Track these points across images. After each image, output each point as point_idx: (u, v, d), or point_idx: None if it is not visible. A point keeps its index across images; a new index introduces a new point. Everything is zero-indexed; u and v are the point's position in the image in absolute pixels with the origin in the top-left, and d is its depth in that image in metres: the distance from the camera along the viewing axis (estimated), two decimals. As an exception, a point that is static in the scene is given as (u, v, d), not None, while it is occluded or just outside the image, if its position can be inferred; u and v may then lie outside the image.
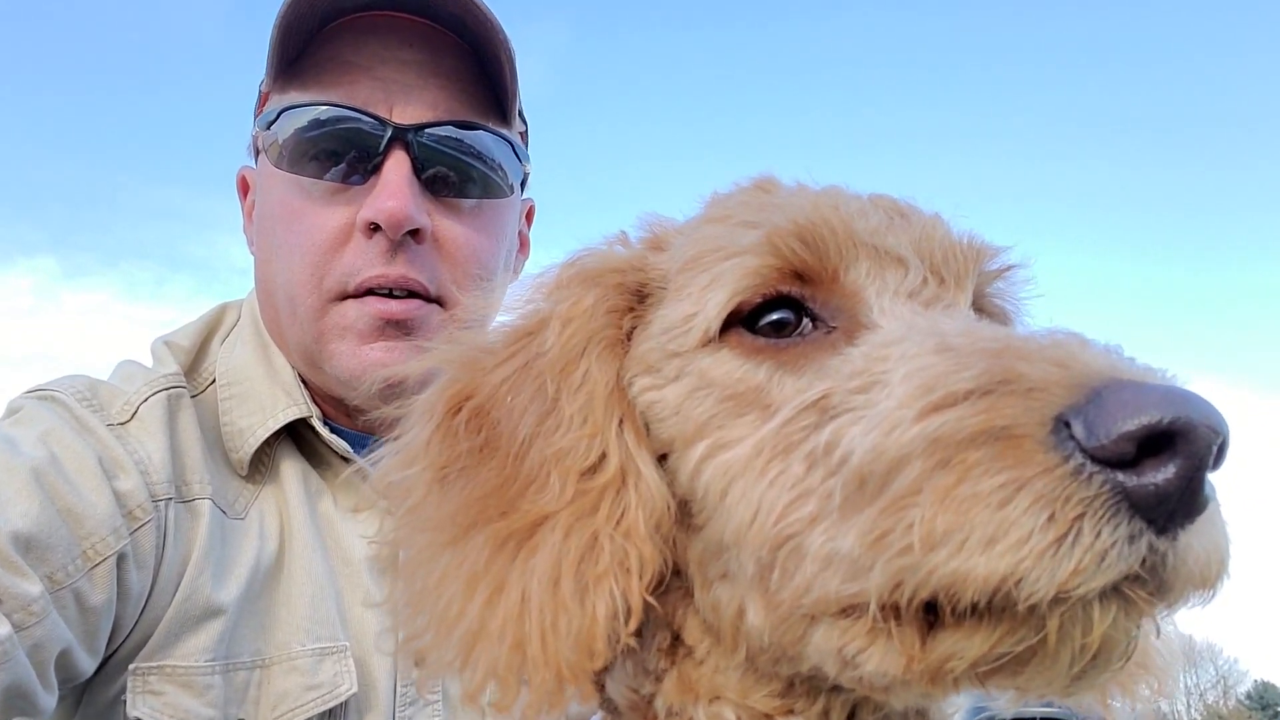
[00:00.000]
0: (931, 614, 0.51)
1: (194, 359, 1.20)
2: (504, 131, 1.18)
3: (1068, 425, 0.47)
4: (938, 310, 0.64)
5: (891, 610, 0.51)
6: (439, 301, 1.13)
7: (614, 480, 0.63)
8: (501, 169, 1.18)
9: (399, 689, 1.14)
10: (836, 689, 0.63)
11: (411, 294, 1.11)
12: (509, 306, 0.75)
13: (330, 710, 1.09)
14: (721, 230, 0.68)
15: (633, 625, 0.60)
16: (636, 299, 0.71)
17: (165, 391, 1.11)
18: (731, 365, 0.63)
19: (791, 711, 0.64)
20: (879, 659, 0.53)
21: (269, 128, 1.15)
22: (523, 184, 1.28)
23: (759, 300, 0.64)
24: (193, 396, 1.15)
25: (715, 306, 0.64)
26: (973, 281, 0.69)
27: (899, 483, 0.50)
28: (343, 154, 1.11)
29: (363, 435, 1.19)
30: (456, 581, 0.62)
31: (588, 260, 0.73)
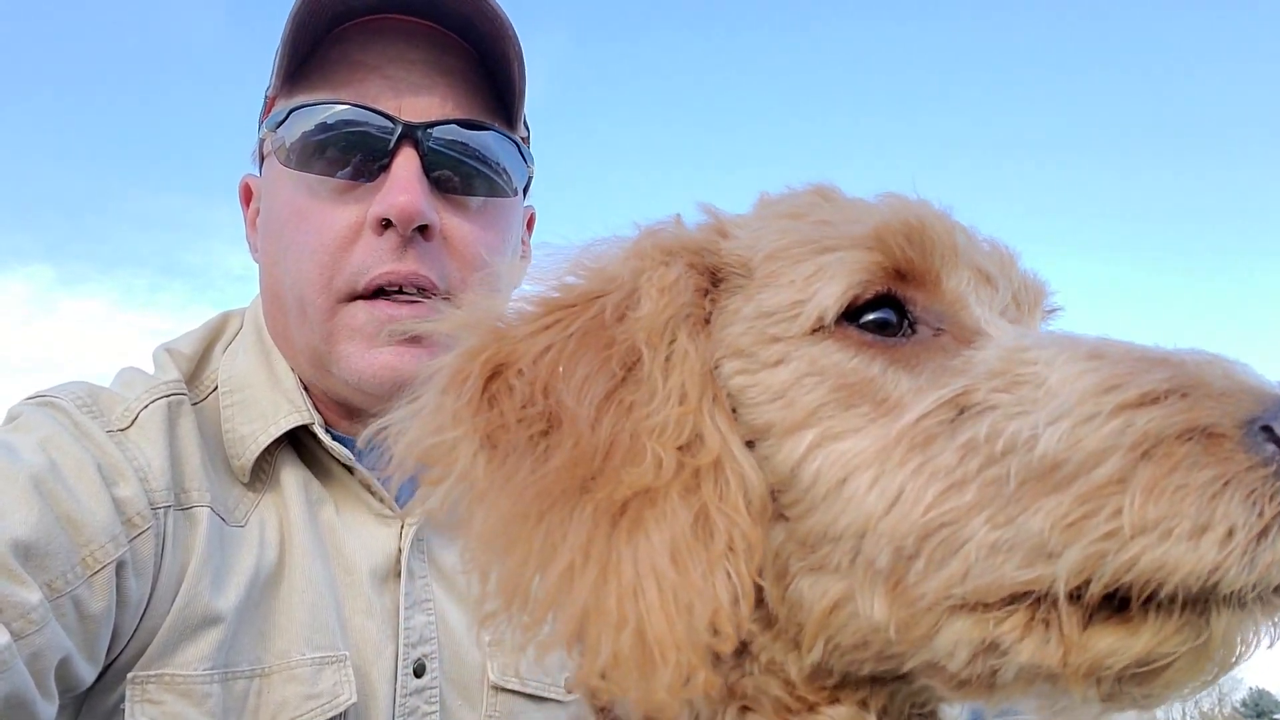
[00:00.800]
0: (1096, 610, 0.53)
1: (196, 366, 1.20)
2: (509, 133, 1.18)
3: (1265, 429, 0.50)
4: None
5: (1053, 602, 0.52)
6: (447, 298, 1.13)
7: (713, 461, 0.62)
8: (507, 170, 1.18)
9: (398, 699, 1.13)
10: (878, 681, 0.64)
11: (421, 291, 1.11)
12: (537, 277, 0.73)
13: None
14: (806, 226, 0.69)
15: (748, 609, 0.58)
16: (711, 281, 0.70)
17: (166, 399, 1.11)
18: (842, 356, 0.64)
19: (837, 700, 0.65)
20: (1033, 650, 0.54)
21: (277, 129, 1.15)
22: (526, 188, 1.28)
23: (870, 296, 0.65)
24: (194, 404, 1.15)
25: (831, 297, 0.64)
26: (1040, 314, 0.72)
27: (1100, 472, 0.51)
28: (352, 153, 1.11)
29: None
30: (556, 555, 0.58)
31: (665, 235, 0.72)
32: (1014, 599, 0.54)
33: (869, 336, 0.65)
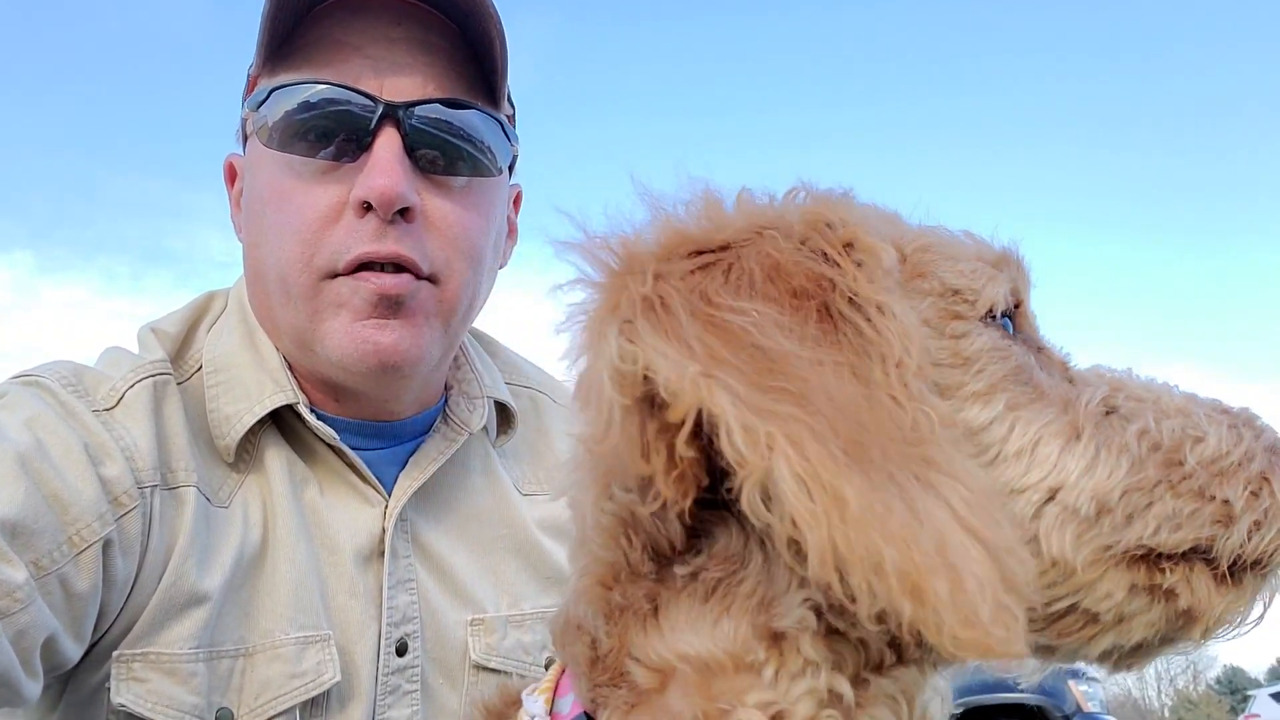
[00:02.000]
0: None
1: (180, 346, 1.20)
2: (493, 111, 1.17)
3: None
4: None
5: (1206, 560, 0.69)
6: (430, 279, 1.13)
7: (949, 422, 0.66)
8: (491, 149, 1.17)
9: (380, 678, 1.14)
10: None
11: (401, 269, 1.10)
12: (652, 213, 0.69)
13: (313, 699, 1.09)
14: (936, 230, 0.77)
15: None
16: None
17: (151, 378, 1.11)
18: (1010, 344, 0.73)
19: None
20: (1188, 595, 0.68)
21: (259, 109, 1.15)
22: (511, 167, 1.27)
23: (1011, 305, 0.76)
24: (179, 384, 1.15)
25: (1001, 295, 0.74)
26: None
27: (1255, 466, 0.69)
28: (334, 133, 1.11)
29: (350, 421, 1.19)
30: (887, 515, 0.55)
31: (830, 202, 0.74)
32: (1184, 555, 0.68)
33: (1010, 334, 0.74)
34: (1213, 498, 0.68)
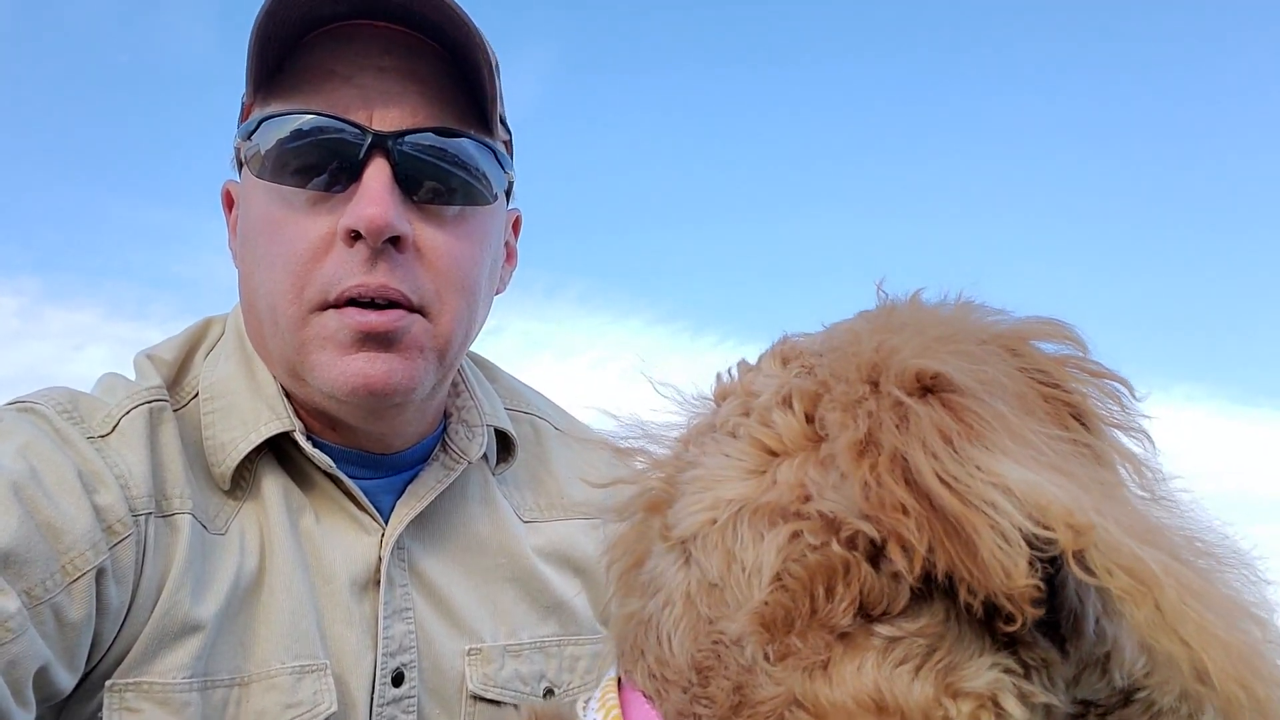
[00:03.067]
0: None
1: (177, 373, 1.19)
2: (486, 139, 1.17)
3: None
4: None
5: None
6: (421, 311, 1.12)
7: None
8: (484, 176, 1.17)
9: (375, 708, 1.13)
10: None
11: (392, 304, 1.09)
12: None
13: None
14: None
15: None
16: None
17: (147, 405, 1.10)
18: None
19: None
20: None
21: (250, 138, 1.14)
22: (508, 193, 1.27)
23: None
24: (175, 410, 1.14)
25: None
26: None
27: None
28: (324, 163, 1.10)
29: (347, 450, 1.19)
30: None
31: None
32: None
33: None
34: None
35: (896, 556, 0.61)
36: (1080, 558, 0.57)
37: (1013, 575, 0.57)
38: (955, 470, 0.59)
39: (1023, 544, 0.57)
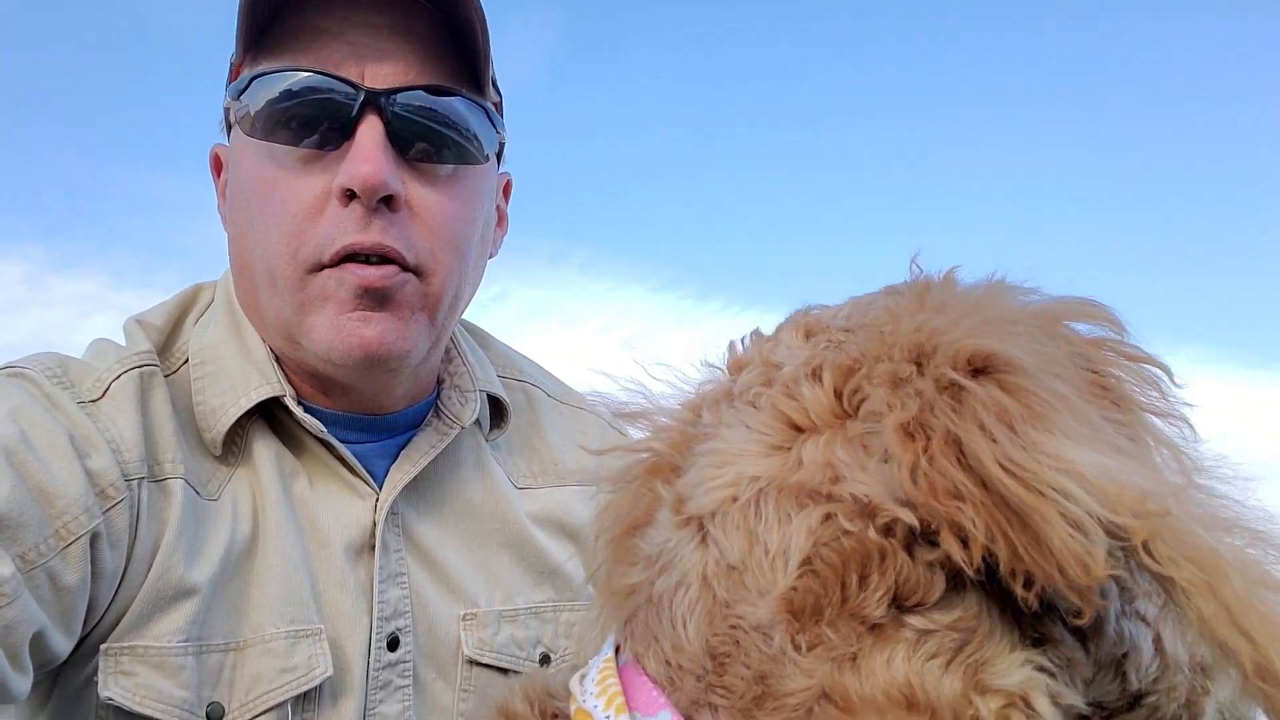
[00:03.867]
0: None
1: (167, 338, 1.19)
2: (478, 98, 1.16)
3: None
4: None
5: None
6: (416, 270, 1.12)
7: None
8: (476, 136, 1.16)
9: (371, 673, 1.13)
10: None
11: (387, 261, 1.09)
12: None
13: (305, 693, 1.08)
14: None
15: None
16: None
17: (137, 369, 1.10)
18: None
19: None
20: None
21: (239, 97, 1.13)
22: (499, 156, 1.26)
23: None
24: (166, 376, 1.14)
25: None
26: None
27: None
28: (316, 121, 1.09)
29: (339, 414, 1.19)
30: None
31: None
32: None
33: None
34: None
35: (951, 546, 0.58)
36: (1148, 547, 0.54)
37: (1091, 567, 0.54)
38: (1018, 455, 0.56)
39: (1101, 533, 0.54)
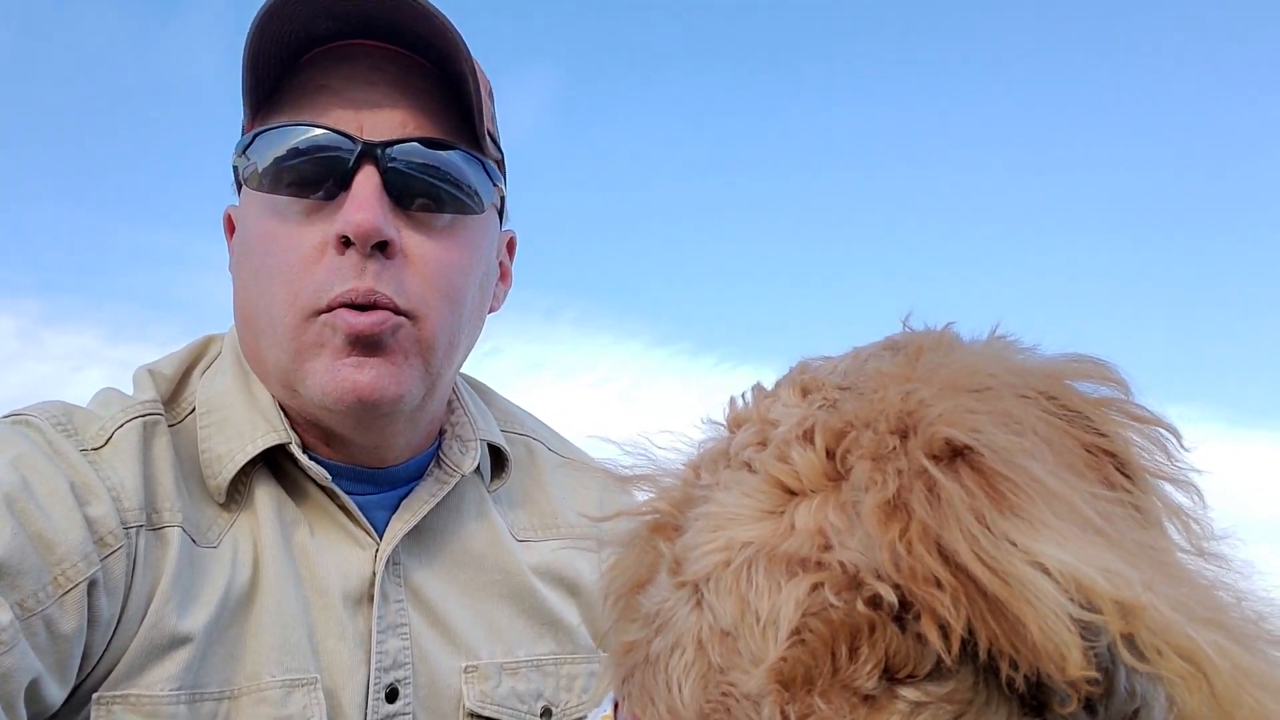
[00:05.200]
0: None
1: (175, 388, 1.20)
2: (474, 152, 1.19)
3: None
4: None
5: None
6: (408, 315, 1.13)
7: None
8: (472, 188, 1.19)
9: None
10: None
11: (378, 307, 1.11)
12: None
13: None
14: None
15: None
16: None
17: (141, 418, 1.11)
18: None
19: None
20: None
21: (246, 153, 1.17)
22: (501, 211, 1.29)
23: None
24: (171, 425, 1.15)
25: None
26: None
27: None
28: (317, 175, 1.12)
29: (342, 465, 1.19)
30: None
31: None
32: None
33: None
34: None
35: (930, 633, 0.57)
36: (1129, 640, 0.53)
37: (1067, 664, 0.54)
38: (991, 549, 0.56)
39: (1073, 629, 0.53)
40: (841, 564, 0.61)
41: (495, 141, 1.24)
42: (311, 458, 1.17)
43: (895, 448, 0.62)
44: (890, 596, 0.59)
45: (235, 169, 1.22)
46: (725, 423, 0.78)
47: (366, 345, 1.11)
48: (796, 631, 0.61)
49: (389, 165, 1.12)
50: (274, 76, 1.15)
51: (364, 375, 1.10)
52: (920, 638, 0.59)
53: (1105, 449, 0.64)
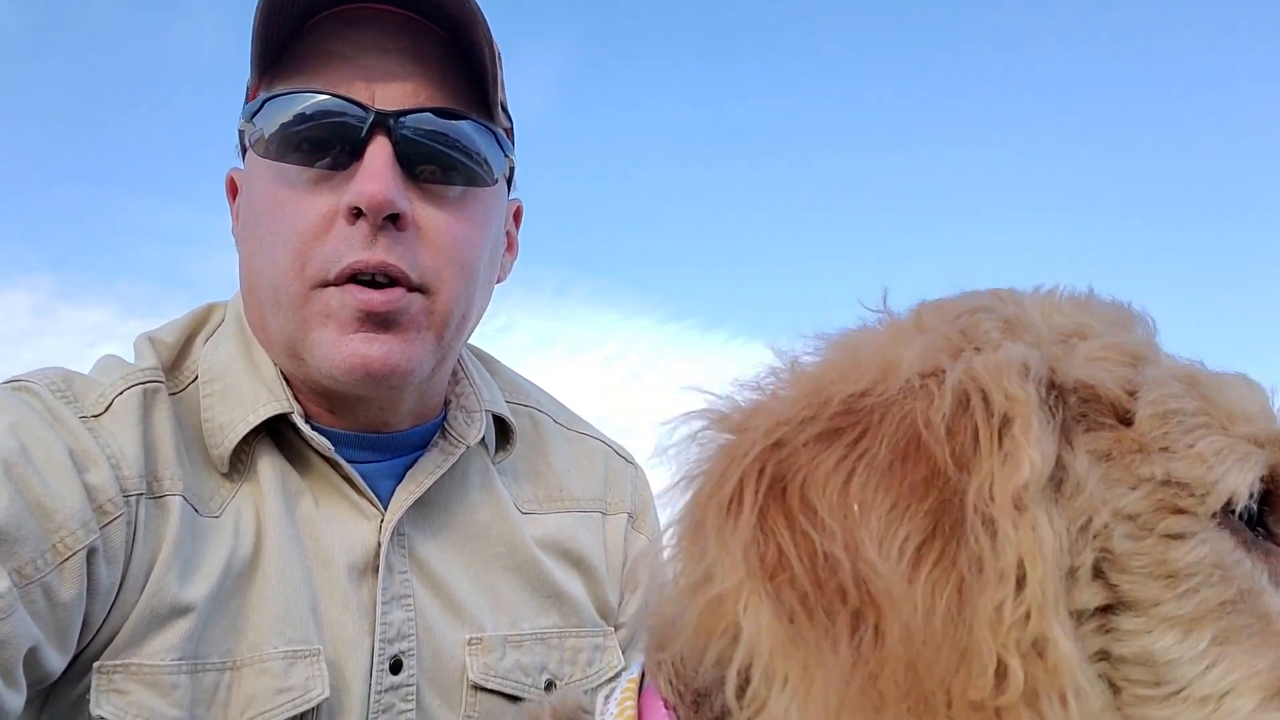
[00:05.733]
0: None
1: (177, 356, 1.19)
2: (486, 121, 1.17)
3: None
4: None
5: None
6: (421, 289, 1.12)
7: (1064, 678, 0.53)
8: (484, 159, 1.16)
9: (373, 696, 1.12)
10: None
11: (393, 281, 1.09)
12: (789, 362, 0.64)
13: (301, 715, 1.06)
14: (1177, 385, 0.62)
15: None
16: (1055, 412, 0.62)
17: (141, 385, 1.10)
18: (1240, 555, 0.59)
19: None
20: None
21: (253, 119, 1.15)
22: (509, 180, 1.27)
23: (1259, 493, 0.61)
24: (173, 394, 1.14)
25: (1245, 485, 0.59)
26: None
27: None
28: (327, 143, 1.10)
29: (346, 433, 1.18)
30: None
31: (1013, 354, 0.61)
32: None
33: (1249, 536, 0.61)
34: None
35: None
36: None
37: None
38: None
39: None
40: None
41: (505, 110, 1.22)
42: (315, 427, 1.15)
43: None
44: None
45: (241, 133, 1.21)
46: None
47: (378, 322, 1.09)
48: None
49: (401, 135, 1.10)
50: (283, 38, 1.13)
51: (374, 349, 1.08)
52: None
53: (933, 453, 0.58)
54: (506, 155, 1.21)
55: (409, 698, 1.14)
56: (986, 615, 0.52)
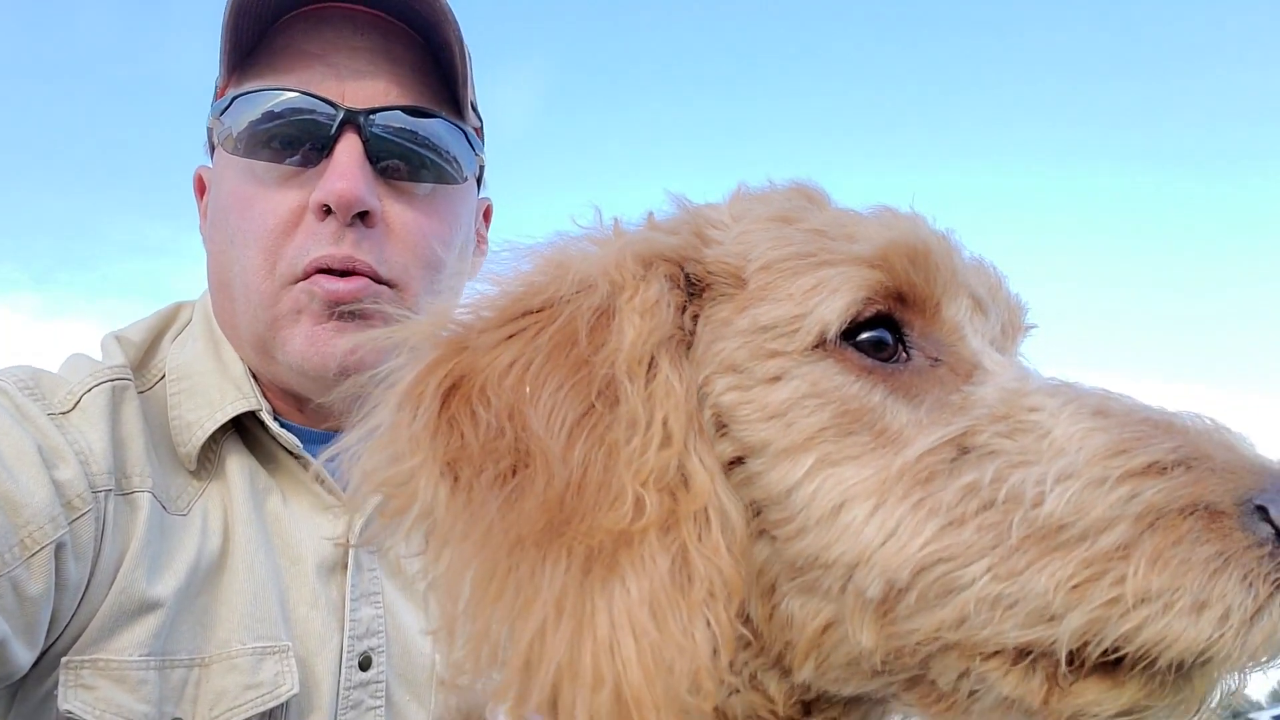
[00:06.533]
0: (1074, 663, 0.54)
1: (144, 354, 1.19)
2: (456, 120, 1.17)
3: (1259, 509, 0.52)
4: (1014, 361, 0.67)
5: (1045, 655, 0.54)
6: (389, 284, 1.12)
7: (700, 501, 0.58)
8: (454, 157, 1.17)
9: (342, 692, 1.12)
10: (854, 701, 0.65)
11: (358, 274, 1.10)
12: (491, 277, 0.69)
13: (270, 711, 1.07)
14: (801, 235, 0.66)
15: (726, 659, 0.55)
16: (691, 292, 0.67)
17: (110, 383, 1.10)
18: (843, 380, 0.62)
19: (808, 715, 0.65)
20: (1016, 687, 0.55)
21: (222, 116, 1.15)
22: (479, 179, 1.28)
23: (869, 315, 0.63)
24: (141, 392, 1.14)
25: (834, 312, 0.62)
26: (1020, 337, 0.72)
27: (1106, 539, 0.52)
28: (296, 140, 1.11)
29: (314, 431, 1.18)
30: (528, 609, 0.54)
31: (641, 243, 0.67)
32: (1009, 655, 0.55)
33: (868, 361, 0.63)
34: (1035, 578, 0.52)
35: None
36: None
37: None
38: None
39: None
40: None
41: (475, 109, 1.23)
42: (283, 424, 1.16)
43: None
44: None
45: (209, 131, 1.21)
46: None
47: (347, 314, 1.10)
48: None
49: (371, 133, 1.11)
50: (253, 36, 1.13)
51: (343, 341, 1.09)
52: None
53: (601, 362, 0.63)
54: (476, 154, 1.22)
55: (378, 694, 1.15)
56: (625, 458, 0.58)
